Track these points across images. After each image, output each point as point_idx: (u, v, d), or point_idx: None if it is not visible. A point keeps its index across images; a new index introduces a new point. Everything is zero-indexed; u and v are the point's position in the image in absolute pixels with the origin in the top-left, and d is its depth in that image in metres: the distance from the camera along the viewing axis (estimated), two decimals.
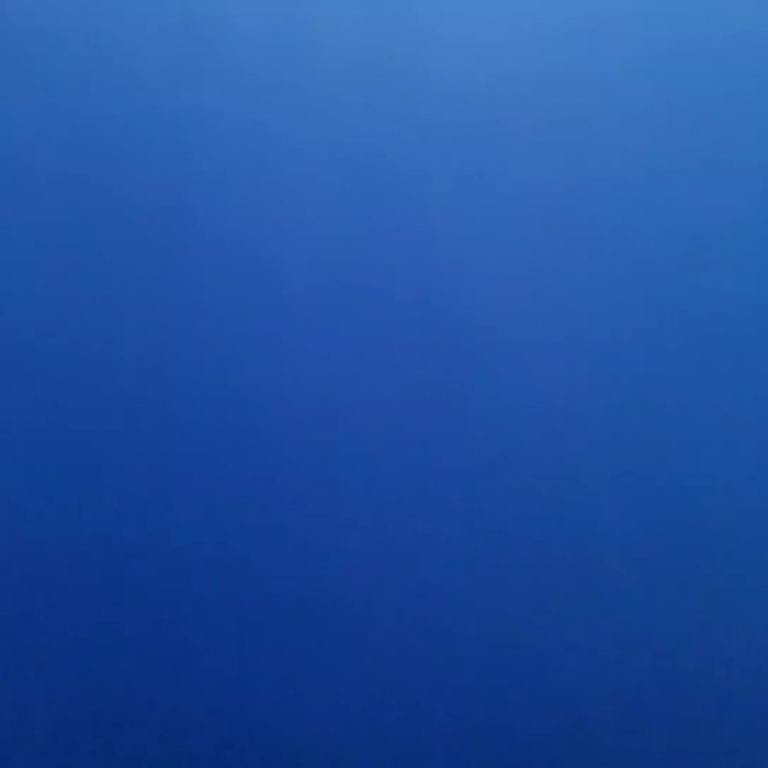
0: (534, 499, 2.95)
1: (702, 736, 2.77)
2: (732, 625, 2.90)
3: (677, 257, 3.04)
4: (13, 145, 3.01)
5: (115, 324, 3.02)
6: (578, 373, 3.01)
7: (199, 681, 2.81)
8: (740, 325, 2.99)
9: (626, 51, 3.07)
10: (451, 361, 3.01)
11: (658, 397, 2.99)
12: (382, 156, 3.07)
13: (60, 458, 2.93)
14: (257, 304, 3.01)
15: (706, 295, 3.02)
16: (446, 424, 2.99)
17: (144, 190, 3.06)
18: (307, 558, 2.92)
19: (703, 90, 3.08)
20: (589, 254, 3.03)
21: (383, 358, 2.99)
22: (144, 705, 2.75)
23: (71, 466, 2.92)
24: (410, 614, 2.91)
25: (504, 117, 3.09)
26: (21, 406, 2.95)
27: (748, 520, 2.93)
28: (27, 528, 2.90)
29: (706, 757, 2.72)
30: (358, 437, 2.98)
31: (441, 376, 3.00)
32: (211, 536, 2.91)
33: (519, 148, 3.06)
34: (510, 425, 2.99)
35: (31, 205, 3.03)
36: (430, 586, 2.93)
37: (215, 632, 2.86)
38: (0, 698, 2.69)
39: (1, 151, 3.01)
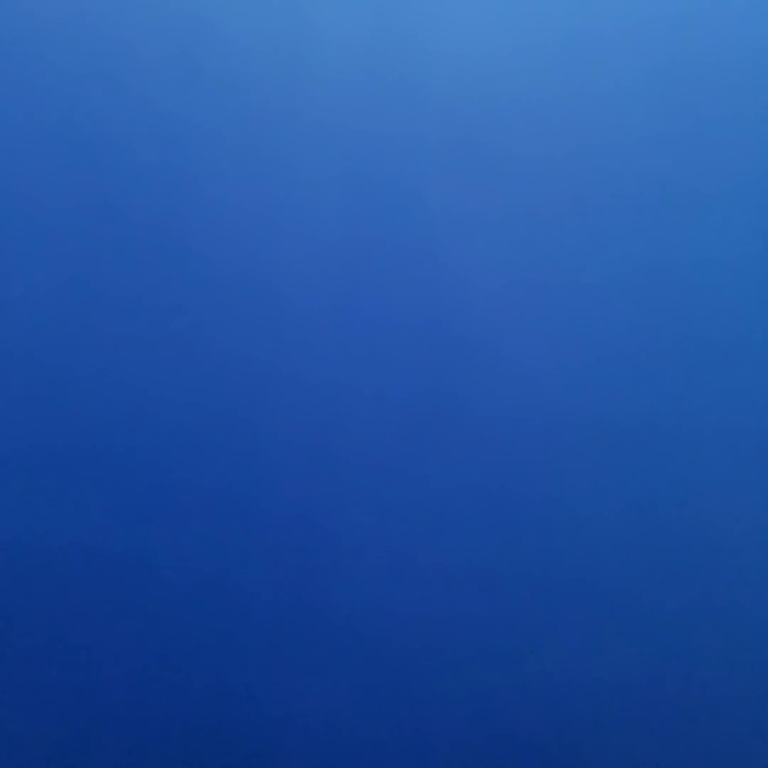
0: (535, 512, 2.95)
1: (703, 740, 2.78)
2: (735, 634, 2.91)
3: (681, 274, 3.04)
4: (8, 152, 3.01)
5: (114, 331, 3.03)
6: (580, 388, 3.01)
7: (193, 690, 2.81)
8: (746, 342, 3.00)
9: (629, 68, 3.07)
10: (453, 377, 3.01)
11: (662, 412, 2.99)
12: (384, 169, 3.07)
13: (53, 461, 2.93)
14: (256, 315, 3.01)
15: (711, 314, 3.02)
16: (447, 438, 2.99)
17: (142, 198, 3.06)
18: (304, 566, 2.93)
19: (706, 108, 3.08)
20: (591, 270, 3.03)
21: (384, 372, 2.99)
22: (138, 711, 2.76)
23: (63, 465, 2.93)
24: (409, 624, 2.91)
25: (507, 131, 3.09)
26: (16, 406, 2.96)
27: (751, 532, 2.94)
28: (20, 533, 2.91)
29: (707, 760, 2.73)
30: (357, 449, 2.99)
31: (442, 391, 3.00)
32: (207, 541, 2.92)
33: (523, 163, 3.07)
34: (512, 438, 3.00)
35: (29, 210, 3.04)
36: (428, 596, 2.94)
37: (212, 639, 2.87)
38: None
39: None
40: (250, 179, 3.03)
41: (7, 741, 2.72)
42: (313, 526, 2.95)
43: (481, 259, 3.00)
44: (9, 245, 3.00)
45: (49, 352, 2.98)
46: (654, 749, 2.83)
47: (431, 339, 2.99)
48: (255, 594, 2.93)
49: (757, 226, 3.03)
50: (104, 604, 2.89)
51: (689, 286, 3.01)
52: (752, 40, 3.05)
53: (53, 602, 2.89)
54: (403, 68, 3.06)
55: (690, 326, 3.00)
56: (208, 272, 3.00)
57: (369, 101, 3.06)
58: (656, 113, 3.04)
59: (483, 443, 2.98)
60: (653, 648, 2.91)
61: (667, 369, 3.00)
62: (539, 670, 2.88)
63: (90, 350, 2.99)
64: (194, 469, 2.96)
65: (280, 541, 2.94)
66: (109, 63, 3.05)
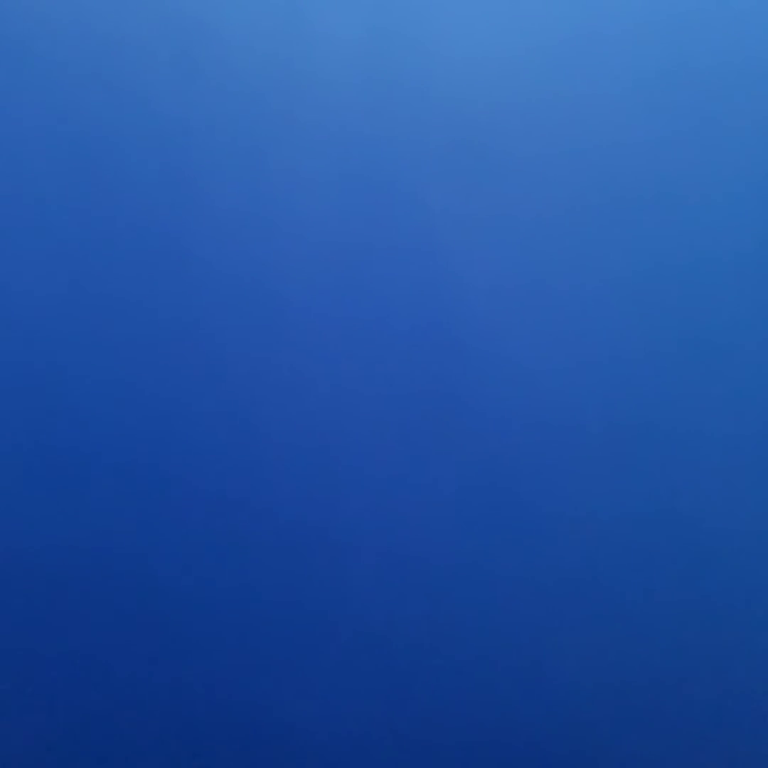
0: (536, 512, 2.95)
1: (704, 741, 2.78)
2: (736, 634, 2.91)
3: (681, 275, 3.04)
4: (7, 153, 3.01)
5: (112, 331, 3.02)
6: (580, 389, 3.01)
7: (193, 689, 2.81)
8: (746, 342, 3.00)
9: (630, 70, 3.07)
10: (453, 377, 3.01)
11: (662, 412, 2.99)
12: (383, 170, 3.06)
13: (53, 461, 2.93)
14: (255, 315, 3.01)
15: (711, 314, 3.02)
16: (447, 438, 2.99)
17: (140, 200, 3.06)
18: (304, 566, 2.93)
19: (706, 110, 3.08)
20: (591, 271, 3.03)
21: (384, 372, 2.99)
22: (137, 711, 2.75)
23: (63, 465, 2.93)
24: (410, 624, 2.91)
25: (507, 132, 3.09)
26: (16, 406, 2.95)
27: (751, 532, 2.94)
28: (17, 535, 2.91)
29: (708, 760, 2.73)
30: (357, 450, 2.99)
31: (442, 391, 3.00)
32: (207, 542, 2.92)
33: (523, 164, 3.06)
34: (512, 439, 3.00)
35: (27, 211, 3.04)
36: (430, 596, 2.93)
37: (212, 639, 2.87)
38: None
39: None
40: (250, 180, 3.03)
41: (7, 741, 2.72)
42: (313, 526, 2.95)
43: (481, 261, 3.00)
44: (9, 246, 3.00)
45: (49, 353, 2.98)
46: (655, 749, 2.83)
47: (431, 339, 2.99)
48: (255, 594, 2.92)
49: (757, 226, 3.03)
50: (103, 604, 2.89)
51: (689, 286, 3.01)
52: (753, 42, 3.05)
53: (53, 604, 2.88)
54: (402, 70, 3.06)
55: (690, 326, 3.00)
56: (207, 273, 3.00)
57: (368, 102, 3.06)
58: (657, 115, 3.04)
59: (483, 443, 2.98)
60: (654, 648, 2.91)
61: (667, 369, 3.00)
62: (540, 670, 2.88)
63: (89, 351, 2.99)
64: (194, 469, 2.96)
65: (279, 542, 2.94)
66: (107, 64, 3.04)
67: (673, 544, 2.95)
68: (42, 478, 2.95)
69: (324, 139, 3.04)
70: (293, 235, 3.01)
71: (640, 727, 2.86)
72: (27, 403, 2.97)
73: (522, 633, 2.91)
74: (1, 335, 2.97)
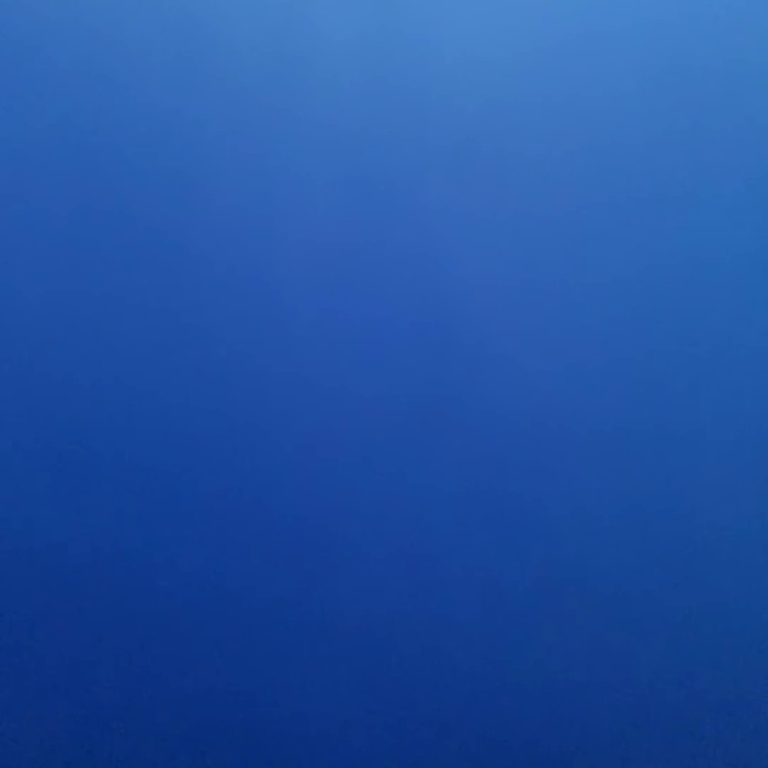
0: (535, 512, 2.95)
1: (705, 741, 2.78)
2: (735, 635, 2.91)
3: (679, 274, 3.05)
4: (9, 154, 3.02)
5: (113, 331, 3.02)
6: (579, 387, 3.02)
7: (194, 689, 2.81)
8: (746, 344, 3.01)
9: (629, 71, 3.08)
10: (452, 376, 3.01)
11: (660, 412, 3.00)
12: (384, 170, 3.07)
13: (53, 461, 2.93)
14: (256, 314, 3.01)
15: (709, 314, 3.03)
16: (447, 437, 2.99)
17: (141, 199, 3.06)
18: (304, 565, 2.93)
19: (705, 111, 3.09)
20: (589, 270, 3.04)
21: (383, 371, 3.00)
22: (137, 710, 2.75)
23: (64, 466, 2.92)
24: (410, 622, 2.91)
25: (507, 133, 3.10)
26: (17, 406, 2.95)
27: (750, 532, 2.95)
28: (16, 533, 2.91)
29: (708, 761, 2.73)
30: (357, 449, 2.99)
31: (441, 391, 3.00)
32: (207, 541, 2.92)
33: (522, 164, 3.07)
34: (511, 438, 3.00)
35: (29, 211, 3.04)
36: (429, 595, 2.93)
37: (213, 639, 2.86)
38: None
39: None
40: (250, 179, 3.03)
41: (7, 741, 2.72)
42: (313, 524, 2.95)
43: (481, 259, 3.00)
44: (12, 246, 3.00)
45: (51, 352, 2.98)
46: (656, 749, 2.83)
47: (431, 338, 2.99)
48: (256, 592, 2.92)
49: (757, 226, 3.04)
50: (105, 602, 2.89)
51: (688, 286, 3.02)
52: (753, 42, 3.06)
53: (52, 602, 2.88)
54: (402, 69, 3.07)
55: (689, 326, 3.01)
56: (208, 272, 3.00)
57: (368, 102, 3.07)
58: (656, 116, 3.05)
59: (482, 442, 2.99)
60: (655, 647, 2.91)
61: (665, 368, 3.01)
62: (541, 667, 2.88)
63: (90, 351, 2.99)
64: (192, 467, 2.96)
65: (280, 540, 2.94)
66: (108, 64, 3.05)
67: (673, 543, 2.96)
68: (43, 476, 2.95)
69: (324, 138, 3.04)
70: (293, 232, 3.02)
71: (642, 727, 2.87)
72: (28, 401, 2.98)
73: (522, 631, 2.92)
74: (5, 335, 2.97)
